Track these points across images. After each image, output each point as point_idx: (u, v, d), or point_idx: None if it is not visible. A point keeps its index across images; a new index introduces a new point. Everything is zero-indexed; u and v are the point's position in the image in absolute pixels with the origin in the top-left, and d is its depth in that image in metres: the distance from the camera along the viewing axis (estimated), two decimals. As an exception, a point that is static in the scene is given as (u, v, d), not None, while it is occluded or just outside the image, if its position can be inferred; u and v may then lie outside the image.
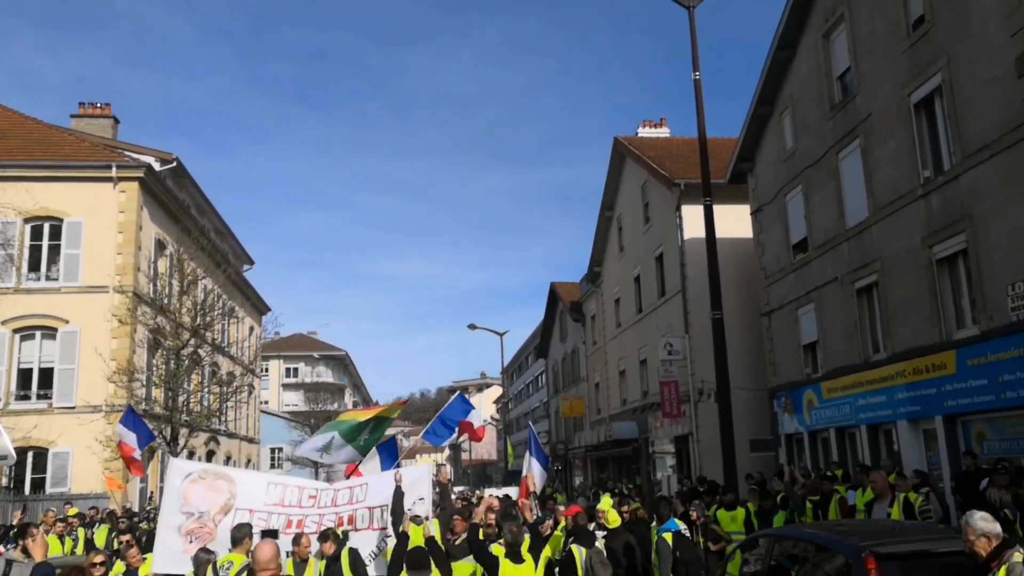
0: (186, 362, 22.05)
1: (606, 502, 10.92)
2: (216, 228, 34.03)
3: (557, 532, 8.93)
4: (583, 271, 39.26)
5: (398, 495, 8.28)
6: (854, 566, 5.83)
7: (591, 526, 8.96)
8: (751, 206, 22.01)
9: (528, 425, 13.93)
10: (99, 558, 8.07)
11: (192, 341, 22.38)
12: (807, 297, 18.78)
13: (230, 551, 7.66)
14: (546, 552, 8.54)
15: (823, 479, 12.75)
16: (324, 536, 7.91)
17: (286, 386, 68.59)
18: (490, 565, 6.72)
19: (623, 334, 31.96)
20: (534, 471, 11.60)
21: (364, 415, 10.69)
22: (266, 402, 56.43)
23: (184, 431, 21.83)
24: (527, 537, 7.48)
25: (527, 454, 12.17)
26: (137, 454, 11.42)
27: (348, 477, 10.57)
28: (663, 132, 33.91)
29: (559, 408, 44.00)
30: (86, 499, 19.64)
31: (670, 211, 25.86)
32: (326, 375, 70.38)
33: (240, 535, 7.58)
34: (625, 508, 9.26)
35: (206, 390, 25.05)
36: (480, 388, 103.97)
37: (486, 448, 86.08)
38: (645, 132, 33.82)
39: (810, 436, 18.71)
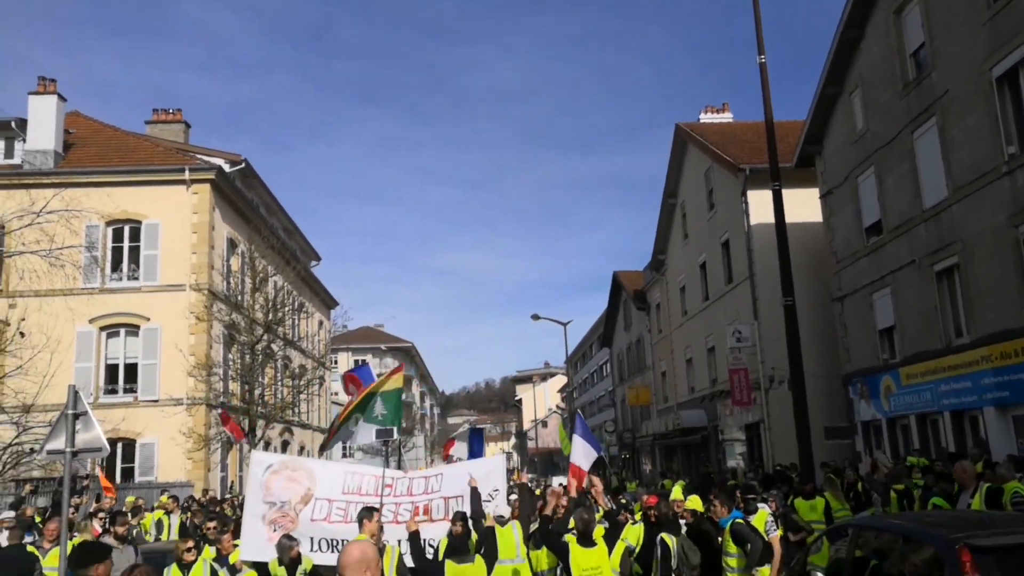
0: (260, 356, 22.72)
1: (677, 492, 10.84)
2: (284, 226, 34.90)
3: (633, 525, 8.95)
4: (644, 260, 38.94)
5: (475, 496, 8.39)
6: (946, 559, 5.64)
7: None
8: (820, 189, 21.43)
9: (577, 412, 13.48)
10: (188, 544, 8.44)
11: (265, 336, 23.05)
12: (882, 281, 18.20)
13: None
14: (620, 546, 8.59)
15: (906, 468, 12.38)
16: (455, 519, 8.20)
17: (354, 378, 70.02)
18: (561, 551, 6.77)
19: (689, 322, 31.56)
20: (583, 454, 10.90)
21: (364, 394, 10.46)
22: (336, 393, 57.61)
23: (261, 423, 22.52)
24: (600, 526, 7.55)
25: (575, 437, 11.45)
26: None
27: (446, 457, 10.79)
28: (726, 117, 33.23)
29: (625, 397, 43.75)
30: (171, 487, 20.48)
31: (735, 197, 25.37)
32: (393, 366, 71.54)
33: (360, 517, 7.89)
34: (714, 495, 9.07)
35: (280, 383, 25.77)
36: (544, 377, 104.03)
37: (552, 436, 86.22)
38: (707, 118, 33.21)
39: (888, 423, 18.17)
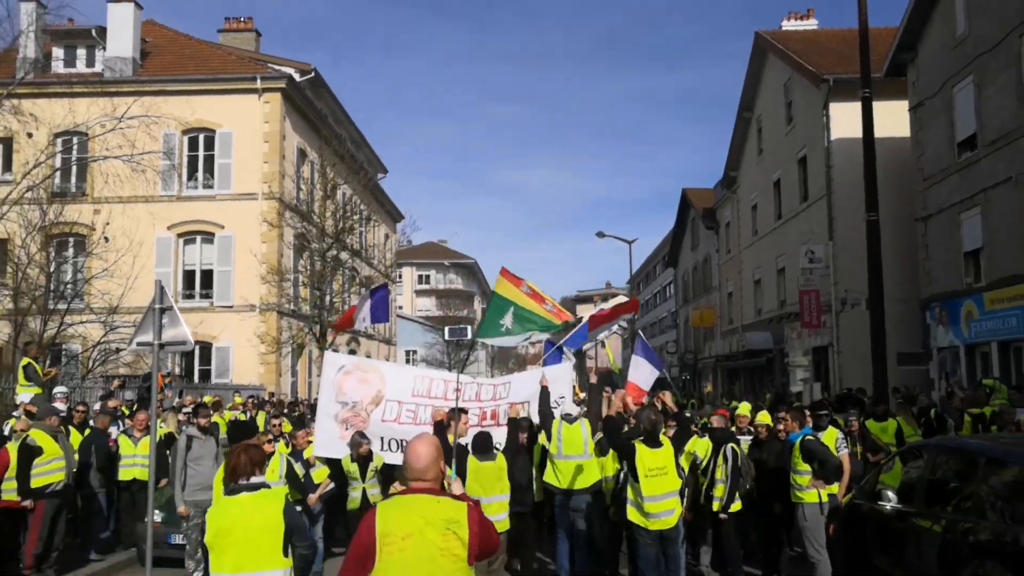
0: (331, 263, 23.19)
1: (744, 409, 10.75)
2: (352, 138, 34.96)
3: (701, 438, 8.99)
4: (715, 179, 37.76)
5: (544, 395, 8.45)
6: (1032, 479, 5.44)
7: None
8: (910, 101, 20.19)
9: (638, 333, 13.09)
10: (267, 437, 8.84)
11: (335, 245, 23.45)
12: (972, 200, 17.25)
13: None
14: (687, 456, 8.62)
15: (985, 394, 11.96)
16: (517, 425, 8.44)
17: (419, 292, 71.25)
18: (627, 451, 6.80)
19: (760, 242, 30.75)
20: (641, 372, 10.57)
21: (532, 306, 9.94)
22: (401, 307, 58.89)
23: (331, 331, 23.15)
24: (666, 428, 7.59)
25: (634, 357, 10.89)
26: (360, 319, 11.46)
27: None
28: (810, 24, 31.32)
29: (688, 318, 43.41)
30: (245, 389, 21.42)
31: (816, 110, 24.18)
32: (456, 282, 72.37)
33: (450, 419, 8.16)
34: (784, 411, 8.97)
35: (348, 292, 26.33)
36: (605, 298, 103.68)
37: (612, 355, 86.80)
38: (790, 25, 31.37)
39: (967, 349, 17.55)
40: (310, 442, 9.15)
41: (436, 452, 3.46)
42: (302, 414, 14.27)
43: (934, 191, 18.97)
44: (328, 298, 23.19)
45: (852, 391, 14.90)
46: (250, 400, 16.22)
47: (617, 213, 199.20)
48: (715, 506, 8.15)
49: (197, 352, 24.49)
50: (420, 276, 72.63)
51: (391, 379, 9.32)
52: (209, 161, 25.25)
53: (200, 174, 25.34)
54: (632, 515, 6.77)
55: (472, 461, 7.42)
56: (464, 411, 8.33)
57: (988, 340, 16.68)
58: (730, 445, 8.18)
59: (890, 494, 7.28)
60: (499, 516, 7.18)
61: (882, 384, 12.55)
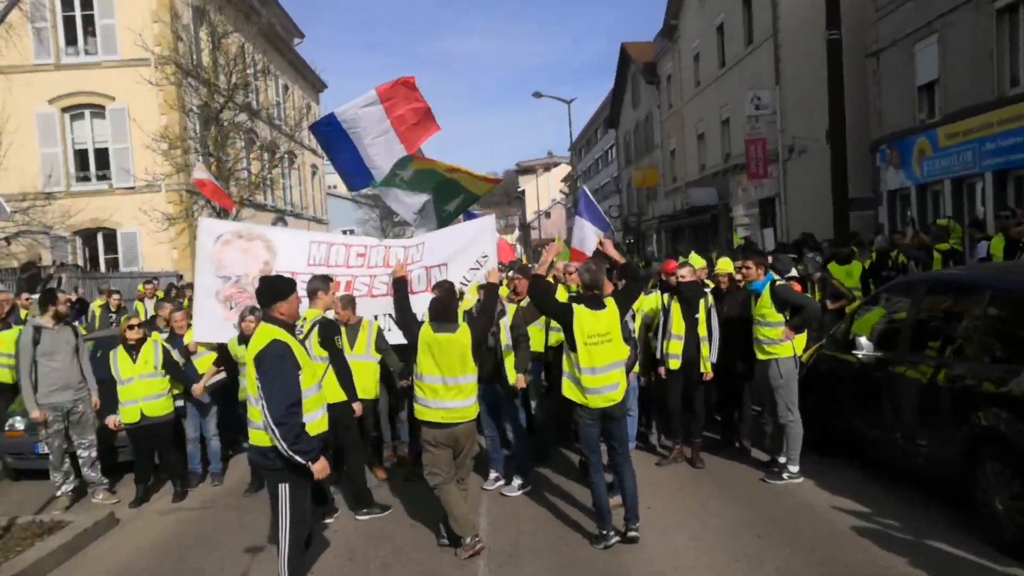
0: (226, 126, 20.77)
1: (696, 260, 9.68)
2: (258, -4, 31.42)
3: (648, 295, 7.94)
4: (656, 31, 35.50)
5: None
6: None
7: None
8: (865, -78, 18.37)
9: (581, 189, 11.95)
10: (134, 321, 7.41)
11: (228, 103, 20.92)
12: (929, 27, 15.93)
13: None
14: (637, 318, 7.54)
15: (944, 230, 11.09)
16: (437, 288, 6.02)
17: (352, 169, 68.22)
18: (563, 315, 5.34)
19: (703, 93, 29.19)
20: (586, 235, 9.61)
21: (455, 174, 8.55)
22: (334, 186, 56.25)
23: (246, 208, 21.13)
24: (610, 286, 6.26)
25: (576, 219, 9.98)
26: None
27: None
28: None
29: (631, 180, 42.20)
30: (160, 277, 19.59)
31: (762, -60, 22.17)
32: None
33: (313, 288, 6.29)
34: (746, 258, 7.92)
35: (249, 159, 23.63)
36: (547, 167, 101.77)
37: (556, 227, 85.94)
38: None
39: (918, 190, 16.75)
40: (190, 325, 7.74)
41: None
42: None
43: (886, 22, 17.56)
44: (227, 165, 20.79)
45: (805, 236, 13.99)
46: (151, 286, 14.49)
47: (556, 78, 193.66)
48: (704, 368, 7.16)
49: (101, 239, 22.42)
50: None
51: (281, 248, 7.82)
52: (88, 22, 22.15)
53: (80, 38, 22.28)
54: (568, 390, 5.39)
55: (426, 331, 5.41)
56: (330, 279, 6.64)
57: (941, 178, 15.86)
58: (710, 300, 7.18)
59: (864, 341, 6.29)
60: (465, 402, 5.40)
61: (843, 226, 11.55)
